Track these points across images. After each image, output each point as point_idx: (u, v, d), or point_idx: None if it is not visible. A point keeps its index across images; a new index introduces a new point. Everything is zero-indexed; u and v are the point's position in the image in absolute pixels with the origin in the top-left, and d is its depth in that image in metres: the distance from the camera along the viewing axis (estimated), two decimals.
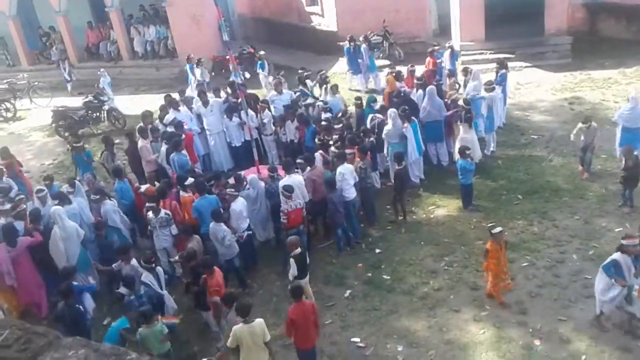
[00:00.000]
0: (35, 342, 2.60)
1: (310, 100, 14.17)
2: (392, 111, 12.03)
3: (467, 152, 11.01)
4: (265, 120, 13.26)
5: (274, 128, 13.37)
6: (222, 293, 8.07)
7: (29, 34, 25.52)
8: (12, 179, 12.05)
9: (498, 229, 8.62)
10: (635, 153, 10.61)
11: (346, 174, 10.53)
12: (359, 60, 18.07)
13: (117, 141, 14.71)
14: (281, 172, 10.81)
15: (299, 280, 8.84)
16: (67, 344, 2.57)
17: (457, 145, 11.84)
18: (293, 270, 8.69)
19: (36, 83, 21.98)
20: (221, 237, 9.35)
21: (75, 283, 8.73)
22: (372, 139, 11.99)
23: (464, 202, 11.36)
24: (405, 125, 11.83)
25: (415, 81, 14.10)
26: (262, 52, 19.29)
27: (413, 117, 12.06)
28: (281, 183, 10.13)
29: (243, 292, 9.70)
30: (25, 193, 11.35)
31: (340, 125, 12.16)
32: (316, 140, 12.06)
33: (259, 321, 7.13)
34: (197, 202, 10.02)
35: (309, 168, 10.75)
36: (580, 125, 11.81)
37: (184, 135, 12.26)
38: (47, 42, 25.35)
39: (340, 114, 12.94)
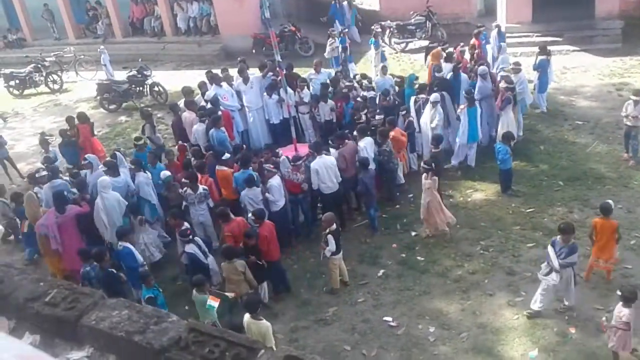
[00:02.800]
0: (81, 302, 2.72)
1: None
2: (436, 96, 11.86)
3: (512, 140, 10.83)
4: (304, 99, 13.27)
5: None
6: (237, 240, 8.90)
7: (76, 8, 26.01)
8: (85, 144, 12.97)
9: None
10: None
11: (367, 147, 10.57)
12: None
13: (159, 115, 15.00)
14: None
15: (336, 256, 8.97)
16: (111, 305, 2.68)
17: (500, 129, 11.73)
18: (331, 246, 8.82)
19: (82, 56, 22.47)
20: (257, 200, 9.66)
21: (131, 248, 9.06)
22: (410, 118, 11.90)
23: (503, 186, 11.20)
24: (462, 107, 11.69)
25: (451, 63, 13.87)
26: (344, 30, 18.14)
27: (476, 101, 11.87)
28: (312, 164, 10.19)
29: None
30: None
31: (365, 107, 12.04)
32: (355, 117, 12.02)
33: (266, 325, 7.10)
34: (238, 174, 10.19)
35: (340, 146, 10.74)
36: (631, 96, 11.52)
37: (220, 112, 12.38)
38: (93, 16, 25.79)
39: (383, 95, 12.78)
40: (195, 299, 8.06)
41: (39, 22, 26.05)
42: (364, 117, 11.84)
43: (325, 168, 10.15)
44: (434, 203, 9.90)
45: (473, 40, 15.67)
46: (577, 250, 7.87)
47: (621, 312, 6.87)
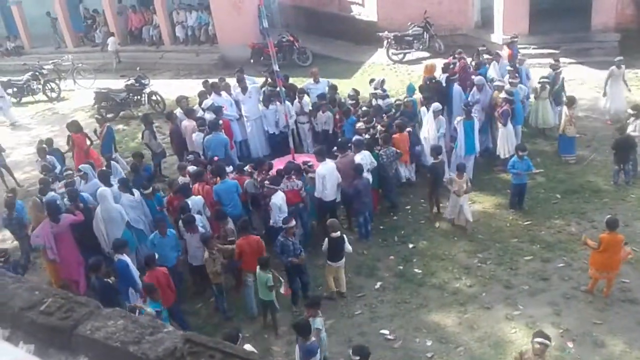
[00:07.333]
0: (77, 311, 2.67)
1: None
2: (437, 106, 11.88)
3: (521, 152, 10.75)
4: (304, 108, 13.25)
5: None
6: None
7: (75, 16, 26.05)
8: (79, 154, 12.83)
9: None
10: None
11: (364, 158, 10.58)
12: None
13: (156, 124, 14.99)
14: (314, 160, 10.82)
15: (332, 263, 9.05)
16: (107, 314, 2.64)
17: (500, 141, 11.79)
18: (324, 248, 9.02)
19: (80, 65, 22.46)
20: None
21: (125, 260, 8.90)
22: (409, 128, 11.90)
23: (512, 201, 11.07)
24: (459, 119, 11.71)
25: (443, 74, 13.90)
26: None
27: (473, 115, 11.80)
28: (319, 170, 10.23)
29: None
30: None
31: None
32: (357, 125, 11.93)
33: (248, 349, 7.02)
34: (217, 187, 10.14)
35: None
36: (629, 111, 11.58)
37: (221, 121, 12.35)
38: (92, 25, 25.83)
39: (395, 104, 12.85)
40: (259, 276, 8.42)
41: (38, 29, 26.06)
42: (362, 125, 11.79)
43: (329, 174, 10.18)
44: None
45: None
46: (315, 353, 6.97)
47: None
